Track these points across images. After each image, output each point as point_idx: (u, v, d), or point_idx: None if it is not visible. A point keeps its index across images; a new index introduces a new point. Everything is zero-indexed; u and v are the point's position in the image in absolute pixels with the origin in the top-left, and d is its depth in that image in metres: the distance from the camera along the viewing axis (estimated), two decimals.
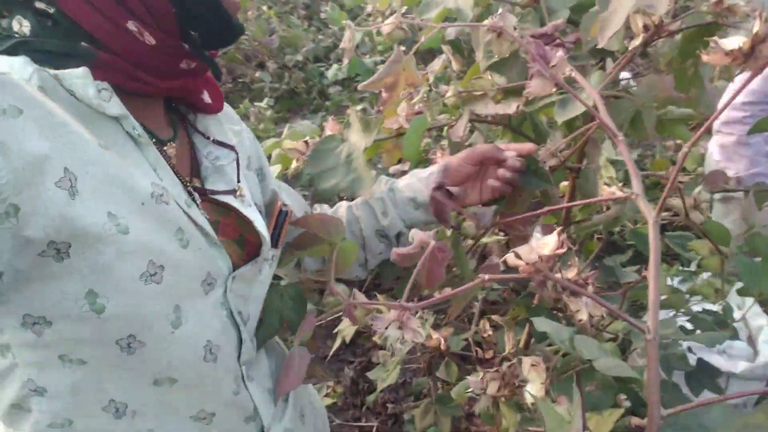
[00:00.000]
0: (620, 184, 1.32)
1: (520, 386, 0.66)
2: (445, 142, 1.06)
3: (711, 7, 0.72)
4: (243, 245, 0.65)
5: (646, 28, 0.78)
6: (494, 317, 1.01)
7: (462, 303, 0.71)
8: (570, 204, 0.74)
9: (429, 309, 1.37)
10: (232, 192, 0.65)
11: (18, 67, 0.49)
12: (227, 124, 0.70)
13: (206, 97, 0.65)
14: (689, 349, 1.23)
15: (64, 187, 0.46)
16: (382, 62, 1.81)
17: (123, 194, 0.50)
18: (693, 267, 1.21)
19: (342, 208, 0.87)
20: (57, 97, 0.49)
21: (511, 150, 0.77)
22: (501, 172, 0.76)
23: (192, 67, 0.58)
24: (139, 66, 0.54)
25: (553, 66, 0.71)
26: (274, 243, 0.69)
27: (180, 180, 0.59)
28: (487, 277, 0.61)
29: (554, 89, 0.71)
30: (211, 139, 0.66)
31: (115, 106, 0.52)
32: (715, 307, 1.15)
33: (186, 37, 0.55)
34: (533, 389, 0.61)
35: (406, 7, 1.13)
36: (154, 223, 0.52)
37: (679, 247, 1.11)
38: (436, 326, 1.27)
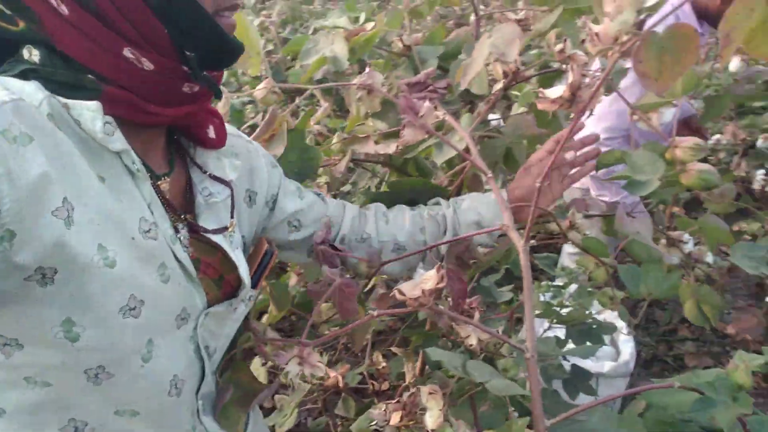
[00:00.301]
0: None
1: (421, 414, 0.70)
2: (321, 179, 1.09)
3: (556, 55, 0.83)
4: (221, 285, 0.65)
5: (505, 74, 0.88)
6: (393, 349, 1.05)
7: (363, 336, 0.75)
8: (452, 239, 0.80)
9: (323, 347, 1.38)
10: (222, 230, 0.65)
11: (29, 92, 0.48)
12: (228, 158, 0.69)
13: (211, 132, 0.64)
14: (564, 357, 1.35)
15: (61, 217, 0.46)
16: (251, 102, 1.82)
17: (115, 228, 0.51)
18: (559, 282, 1.34)
19: (405, 213, 0.86)
20: (63, 125, 0.49)
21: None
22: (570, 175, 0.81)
23: (195, 90, 0.56)
24: (143, 96, 0.53)
25: (421, 116, 0.77)
26: (254, 284, 0.69)
27: (169, 215, 0.59)
28: (376, 312, 0.64)
29: (426, 135, 0.77)
30: (208, 173, 0.66)
31: (117, 141, 0.52)
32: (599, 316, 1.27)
33: (184, 58, 0.54)
34: (431, 417, 0.64)
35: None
36: (140, 258, 0.53)
37: (547, 267, 1.22)
38: (330, 363, 1.28)
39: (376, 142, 0.99)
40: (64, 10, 0.49)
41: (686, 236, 0.89)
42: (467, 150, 0.79)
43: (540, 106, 0.57)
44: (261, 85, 0.95)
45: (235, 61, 0.59)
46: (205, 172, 0.66)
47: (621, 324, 1.64)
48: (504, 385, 0.64)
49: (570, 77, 0.54)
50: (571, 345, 1.11)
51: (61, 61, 0.51)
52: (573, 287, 1.26)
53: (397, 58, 1.06)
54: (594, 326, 0.92)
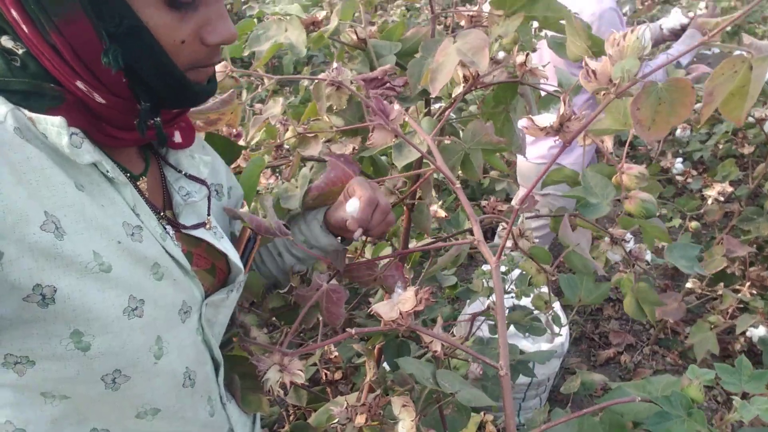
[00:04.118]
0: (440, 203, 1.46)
1: (393, 424, 0.71)
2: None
3: (517, 67, 0.84)
4: (214, 274, 0.67)
5: (465, 78, 0.88)
6: (355, 346, 1.05)
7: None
8: (410, 250, 0.80)
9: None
10: (201, 225, 0.65)
11: None
12: (198, 154, 0.69)
13: (177, 137, 0.64)
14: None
15: (49, 230, 0.47)
16: None
17: (101, 234, 0.51)
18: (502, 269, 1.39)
19: None
20: (32, 138, 0.48)
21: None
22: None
23: (150, 124, 0.56)
24: (99, 117, 0.53)
25: (392, 119, 0.77)
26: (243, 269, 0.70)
27: (155, 214, 0.59)
28: (354, 331, 0.65)
29: (394, 138, 0.77)
30: (184, 173, 0.66)
31: (86, 154, 0.51)
32: (522, 302, 1.34)
33: (138, 101, 0.54)
34: (404, 428, 0.66)
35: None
36: (131, 261, 0.53)
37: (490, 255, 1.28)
38: None
39: (331, 140, 0.97)
40: (24, 29, 0.48)
41: (628, 235, 0.94)
42: (430, 154, 0.79)
43: (526, 132, 0.58)
44: (217, 67, 0.90)
45: (199, 103, 0.60)
46: (180, 172, 0.66)
47: (557, 306, 1.74)
48: (474, 395, 0.66)
49: (562, 108, 0.56)
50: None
51: (19, 69, 0.50)
52: (516, 272, 1.32)
53: (351, 50, 1.04)
54: (535, 323, 0.98)
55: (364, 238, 0.90)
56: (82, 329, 0.50)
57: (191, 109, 0.82)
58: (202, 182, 0.67)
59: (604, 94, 0.55)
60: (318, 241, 0.78)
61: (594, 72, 0.54)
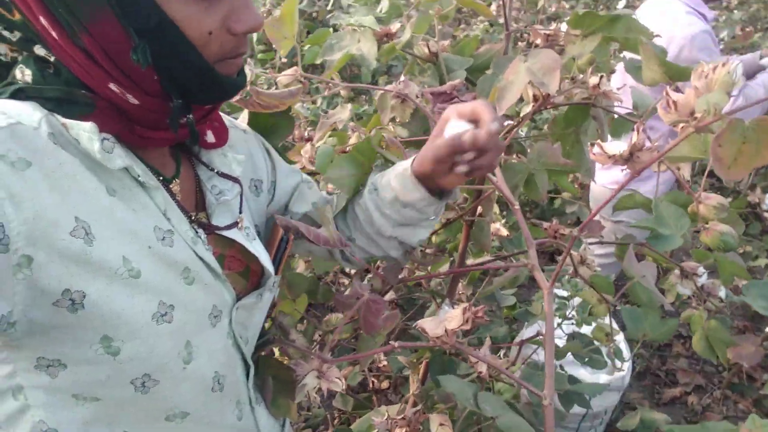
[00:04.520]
0: (503, 221, 1.43)
1: None
2: None
3: (589, 89, 0.81)
4: (248, 276, 0.67)
5: (535, 98, 0.87)
6: (400, 358, 1.05)
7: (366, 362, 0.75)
8: (467, 268, 0.79)
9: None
10: (233, 225, 0.65)
11: (27, 113, 0.48)
12: (232, 153, 0.69)
13: (210, 137, 0.64)
14: (561, 367, 1.37)
15: (79, 236, 0.47)
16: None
17: (132, 239, 0.52)
18: (564, 293, 1.35)
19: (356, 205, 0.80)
20: (65, 144, 0.49)
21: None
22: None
23: (183, 122, 0.56)
24: (131, 119, 0.53)
25: None
26: (275, 270, 0.70)
27: (186, 217, 0.59)
28: (397, 344, 0.65)
29: None
30: (216, 171, 0.66)
31: (117, 158, 0.51)
32: (583, 330, 1.29)
33: (171, 100, 0.54)
34: None
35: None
36: (161, 265, 0.54)
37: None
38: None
39: None
40: (54, 35, 0.48)
41: (700, 269, 0.89)
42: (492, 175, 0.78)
43: (594, 158, 0.56)
44: (288, 72, 0.93)
45: (233, 96, 0.60)
46: (212, 170, 0.66)
47: (618, 338, 1.67)
48: (514, 422, 0.64)
49: (635, 137, 0.53)
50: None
51: (53, 76, 0.51)
52: (578, 298, 1.28)
53: (423, 63, 1.04)
54: (595, 355, 0.94)
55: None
56: (111, 334, 0.50)
57: (266, 92, 0.84)
58: (235, 180, 0.67)
59: (682, 127, 0.52)
60: (407, 194, 0.70)
61: (675, 102, 0.51)
